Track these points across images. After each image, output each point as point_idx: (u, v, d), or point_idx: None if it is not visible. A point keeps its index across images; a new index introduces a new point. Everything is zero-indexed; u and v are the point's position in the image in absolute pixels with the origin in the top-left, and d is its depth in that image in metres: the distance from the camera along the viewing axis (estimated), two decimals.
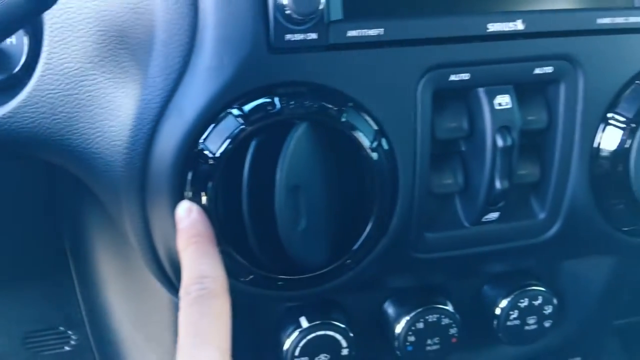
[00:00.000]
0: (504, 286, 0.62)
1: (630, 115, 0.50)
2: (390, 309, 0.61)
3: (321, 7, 0.42)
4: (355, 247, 0.46)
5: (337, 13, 0.44)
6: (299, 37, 0.43)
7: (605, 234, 0.55)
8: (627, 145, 0.50)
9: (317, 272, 0.46)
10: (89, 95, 0.47)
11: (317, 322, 0.55)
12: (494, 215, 0.51)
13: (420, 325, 0.58)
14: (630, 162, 0.50)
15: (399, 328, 0.58)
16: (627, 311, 0.96)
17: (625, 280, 0.72)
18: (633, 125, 0.50)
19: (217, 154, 0.42)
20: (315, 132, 0.43)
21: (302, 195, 0.42)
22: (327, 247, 0.45)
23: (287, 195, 0.41)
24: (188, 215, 0.42)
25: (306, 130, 0.42)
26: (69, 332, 0.73)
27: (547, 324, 0.63)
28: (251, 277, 0.45)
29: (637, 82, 0.51)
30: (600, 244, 0.57)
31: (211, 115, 0.43)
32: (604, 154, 0.51)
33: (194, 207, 0.42)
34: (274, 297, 0.49)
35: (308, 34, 0.43)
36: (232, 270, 0.45)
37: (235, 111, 0.43)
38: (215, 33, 0.43)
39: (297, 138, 0.42)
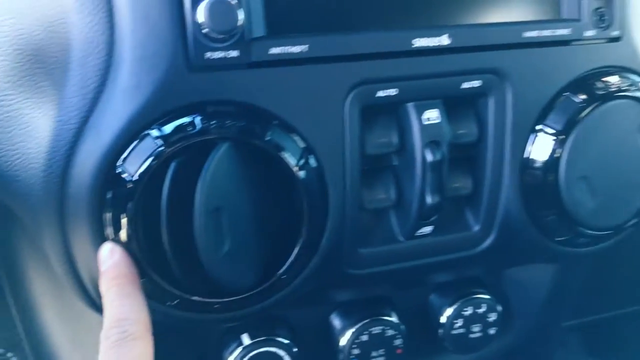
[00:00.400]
0: (449, 295, 0.62)
1: (559, 127, 0.50)
2: (335, 321, 0.61)
3: (240, 23, 0.42)
4: (284, 268, 0.45)
5: (259, 30, 0.43)
6: (219, 55, 0.42)
7: (540, 244, 0.55)
8: (557, 155, 0.51)
9: (248, 293, 0.45)
10: (8, 117, 0.45)
11: (260, 339, 0.55)
12: (427, 229, 0.51)
13: (365, 337, 0.58)
14: (560, 173, 0.50)
15: (343, 341, 0.58)
16: (579, 312, 0.98)
17: (569, 284, 0.73)
18: (562, 137, 0.50)
19: (136, 177, 0.41)
20: (238, 152, 0.42)
21: (225, 217, 0.41)
22: (254, 269, 0.44)
23: (207, 218, 0.40)
24: (110, 256, 0.42)
25: (228, 150, 0.41)
26: (9, 354, 0.71)
27: (491, 332, 0.64)
28: (178, 301, 0.44)
29: (565, 94, 0.51)
30: (536, 253, 0.58)
31: (129, 136, 0.41)
32: (534, 165, 0.52)
33: (116, 249, 0.42)
34: (212, 320, 0.48)
35: (229, 52, 0.42)
36: (161, 296, 0.44)
37: (154, 132, 0.42)
38: (132, 52, 0.42)
39: (218, 159, 0.41)
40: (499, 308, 0.63)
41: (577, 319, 1.00)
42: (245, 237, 0.43)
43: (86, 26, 0.42)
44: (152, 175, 0.41)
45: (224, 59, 0.42)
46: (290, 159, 0.44)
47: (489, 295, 0.62)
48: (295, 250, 0.45)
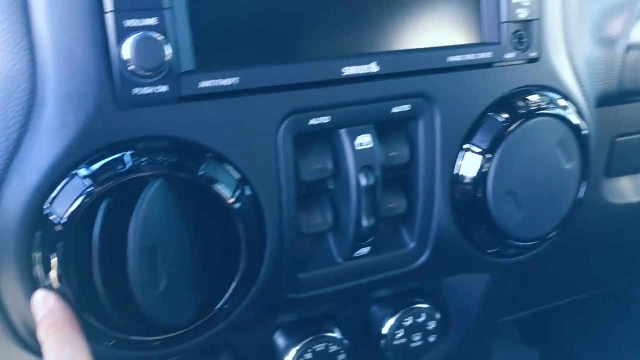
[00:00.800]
0: (390, 306, 0.64)
1: (485, 146, 0.53)
2: (279, 341, 0.61)
3: (168, 59, 0.41)
4: (223, 301, 0.45)
5: (188, 64, 0.43)
6: (148, 90, 0.41)
7: (473, 257, 0.57)
8: (484, 172, 0.53)
9: (188, 329, 0.45)
10: None
11: None
12: (365, 250, 0.52)
13: (309, 355, 0.59)
14: (488, 190, 0.53)
15: None
16: (513, 309, 1.03)
17: (502, 286, 0.76)
18: (489, 155, 0.53)
19: (65, 219, 0.40)
20: (171, 188, 0.41)
21: (160, 256, 0.41)
22: (192, 305, 0.44)
23: (141, 259, 0.40)
24: (45, 304, 0.41)
25: (160, 188, 0.41)
26: None
27: (431, 339, 0.66)
28: (116, 342, 0.44)
29: (489, 114, 0.53)
30: (470, 266, 0.60)
31: (56, 177, 0.40)
32: (464, 183, 0.54)
33: (50, 295, 0.41)
34: (152, 357, 0.48)
35: (158, 87, 0.42)
36: (97, 338, 0.43)
37: (83, 172, 0.41)
38: (56, 91, 0.40)
39: (150, 197, 0.40)
40: (438, 316, 0.65)
41: (512, 315, 1.05)
42: (182, 274, 0.42)
43: (7, 65, 0.41)
44: (83, 216, 0.40)
45: (153, 94, 0.42)
46: (225, 192, 0.44)
47: (428, 304, 0.64)
48: (234, 282, 0.45)
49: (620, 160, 0.80)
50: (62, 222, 0.40)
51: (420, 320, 0.64)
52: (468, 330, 0.77)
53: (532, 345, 1.33)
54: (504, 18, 0.52)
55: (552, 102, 0.55)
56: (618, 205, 0.83)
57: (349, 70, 0.47)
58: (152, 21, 0.41)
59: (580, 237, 0.76)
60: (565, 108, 0.56)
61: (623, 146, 0.78)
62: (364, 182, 0.48)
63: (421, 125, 0.52)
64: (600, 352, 1.26)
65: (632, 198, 0.85)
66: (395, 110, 0.50)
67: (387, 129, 0.51)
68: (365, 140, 0.49)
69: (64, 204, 0.40)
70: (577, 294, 1.11)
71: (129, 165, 0.41)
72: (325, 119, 0.48)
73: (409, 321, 0.64)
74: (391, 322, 0.63)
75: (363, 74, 0.48)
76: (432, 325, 0.65)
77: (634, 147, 0.80)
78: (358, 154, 0.49)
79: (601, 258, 0.99)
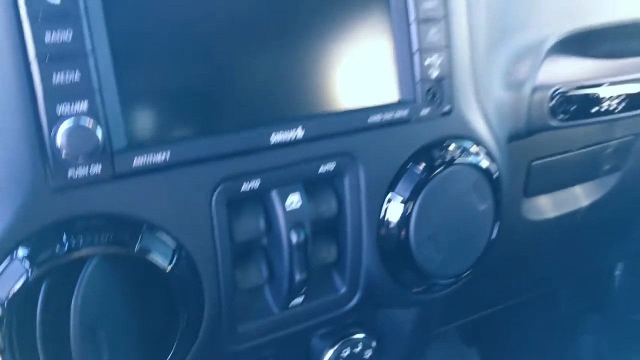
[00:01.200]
0: (328, 338, 0.68)
1: (406, 196, 0.57)
2: None
3: (100, 141, 0.43)
4: None
5: (120, 142, 0.45)
6: (82, 172, 0.43)
7: (400, 296, 0.62)
8: (406, 218, 0.57)
9: None
10: None
11: None
12: (299, 300, 0.56)
13: None
14: (411, 235, 0.57)
15: None
16: (446, 320, 1.10)
17: (433, 307, 0.81)
18: (410, 203, 0.57)
19: (6, 300, 0.41)
20: (110, 264, 0.43)
21: (102, 333, 0.43)
22: None
23: (83, 337, 0.42)
24: None
25: (98, 265, 0.43)
26: None
27: None
28: None
29: (409, 165, 0.58)
30: (397, 303, 0.65)
31: None
32: (389, 230, 0.58)
33: None
34: None
35: (92, 168, 0.43)
36: None
37: (22, 253, 0.42)
38: None
39: (88, 276, 0.42)
40: (374, 344, 0.69)
41: (446, 326, 1.12)
42: (124, 344, 0.44)
43: None
44: (24, 296, 0.41)
45: (87, 175, 0.43)
46: (162, 260, 0.46)
47: (364, 333, 0.69)
48: (175, 341, 0.48)
49: (536, 181, 0.87)
50: (4, 303, 0.41)
51: (357, 350, 0.68)
52: (404, 349, 0.82)
53: (471, 345, 1.42)
54: (417, 78, 0.56)
55: (465, 150, 0.60)
56: (537, 221, 0.91)
57: (276, 137, 0.50)
58: (83, 106, 0.43)
59: (506, 251, 0.82)
60: (477, 154, 0.61)
61: (538, 168, 0.86)
62: (294, 239, 0.52)
63: (347, 181, 0.56)
64: (535, 350, 1.36)
65: (550, 214, 0.93)
66: (322, 169, 0.54)
67: (315, 185, 0.55)
68: (294, 200, 0.52)
69: (5, 286, 0.41)
70: (506, 301, 1.19)
71: (66, 246, 0.43)
72: (255, 183, 0.51)
73: (346, 352, 0.68)
74: (330, 352, 0.67)
75: (290, 139, 0.51)
76: (368, 353, 0.69)
77: (547, 169, 0.87)
78: (288, 213, 0.52)
79: (526, 268, 1.07)
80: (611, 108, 0.74)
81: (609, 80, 0.73)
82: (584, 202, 0.98)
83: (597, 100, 0.73)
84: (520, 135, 0.72)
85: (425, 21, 0.56)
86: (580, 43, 0.75)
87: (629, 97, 0.74)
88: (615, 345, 1.40)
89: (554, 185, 0.92)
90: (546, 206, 0.94)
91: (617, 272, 1.40)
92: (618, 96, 0.74)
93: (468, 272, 0.62)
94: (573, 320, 1.42)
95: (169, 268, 0.46)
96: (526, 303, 1.28)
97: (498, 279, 1.00)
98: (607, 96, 0.73)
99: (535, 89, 0.71)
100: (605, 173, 0.97)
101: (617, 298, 1.40)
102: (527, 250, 0.98)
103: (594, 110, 0.73)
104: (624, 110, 0.74)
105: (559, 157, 0.87)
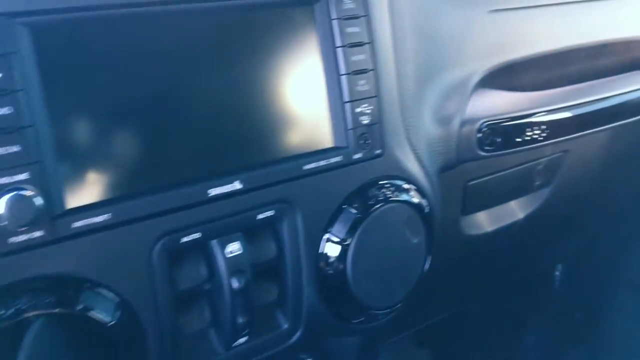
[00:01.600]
0: None
1: (342, 236, 0.61)
2: None
3: (40, 208, 0.45)
4: None
5: (60, 207, 0.46)
6: (23, 237, 0.45)
7: (341, 327, 0.66)
8: (343, 255, 0.61)
9: None
10: None
11: None
12: (242, 339, 0.58)
13: None
14: (348, 273, 0.61)
15: None
16: (394, 331, 1.15)
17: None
18: (346, 243, 0.61)
19: None
20: (53, 323, 0.45)
21: None
22: None
23: None
24: None
25: (43, 325, 0.45)
26: None
27: None
28: None
29: (344, 206, 0.61)
30: (339, 333, 0.68)
31: None
32: (327, 267, 0.61)
33: None
34: None
35: (33, 233, 0.45)
36: None
37: None
38: None
39: (32, 339, 0.44)
40: None
41: (393, 337, 1.17)
42: None
43: None
44: None
45: (29, 240, 0.45)
46: (104, 317, 0.48)
47: (311, 358, 0.72)
48: None
49: (473, 200, 0.92)
50: None
51: None
52: None
53: (426, 347, 1.47)
54: (349, 125, 0.60)
55: (397, 188, 0.64)
56: (477, 235, 0.96)
57: (214, 191, 0.53)
58: (22, 176, 0.44)
59: (448, 265, 0.87)
60: (408, 191, 0.65)
61: (474, 188, 0.91)
62: (235, 285, 0.55)
63: (285, 225, 0.59)
64: (484, 349, 1.43)
65: (488, 228, 0.99)
66: (260, 216, 0.56)
67: (255, 231, 0.58)
68: (234, 248, 0.55)
69: None
70: (452, 309, 1.25)
71: (9, 309, 0.44)
72: (196, 235, 0.53)
73: None
74: None
75: (227, 192, 0.54)
76: None
77: (483, 188, 0.93)
78: (228, 260, 0.55)
79: (470, 279, 1.12)
80: (535, 137, 0.80)
81: (532, 111, 0.78)
82: (520, 214, 1.04)
83: (521, 130, 0.78)
84: (452, 166, 0.77)
85: (355, 73, 0.59)
86: (504, 77, 0.80)
87: (551, 126, 0.80)
88: (558, 341, 1.48)
89: (490, 202, 0.98)
90: (484, 221, 1.00)
91: (557, 273, 1.49)
92: (540, 126, 0.79)
93: (401, 303, 0.66)
94: (518, 320, 1.51)
95: (111, 323, 0.48)
96: (471, 312, 1.35)
97: (443, 291, 1.05)
98: (531, 126, 0.79)
99: (463, 123, 0.76)
100: (538, 187, 1.03)
101: (558, 297, 1.49)
102: (469, 262, 1.03)
103: (519, 139, 0.78)
104: (546, 138, 0.80)
105: (493, 176, 0.93)
